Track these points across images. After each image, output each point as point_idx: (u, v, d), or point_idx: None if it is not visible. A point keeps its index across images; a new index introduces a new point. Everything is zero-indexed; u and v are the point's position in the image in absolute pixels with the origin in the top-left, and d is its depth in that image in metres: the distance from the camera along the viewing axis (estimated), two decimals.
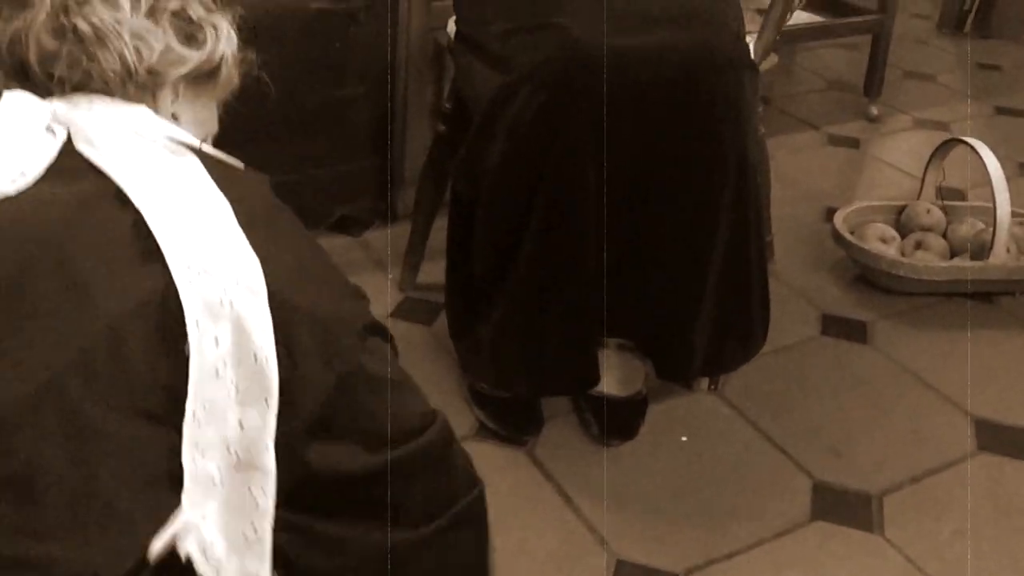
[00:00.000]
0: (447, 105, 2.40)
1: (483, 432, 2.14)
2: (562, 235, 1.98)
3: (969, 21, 4.99)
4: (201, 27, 1.23)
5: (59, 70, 1.13)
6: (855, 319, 2.58)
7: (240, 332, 0.98)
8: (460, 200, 2.19)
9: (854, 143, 3.63)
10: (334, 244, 2.77)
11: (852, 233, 2.72)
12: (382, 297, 2.55)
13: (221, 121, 1.36)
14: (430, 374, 2.28)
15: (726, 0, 2.15)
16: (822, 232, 2.91)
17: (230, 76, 1.30)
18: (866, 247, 2.65)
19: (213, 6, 1.27)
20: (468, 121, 2.17)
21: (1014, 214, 2.68)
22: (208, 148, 1.21)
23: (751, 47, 2.28)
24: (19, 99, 1.10)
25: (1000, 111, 3.98)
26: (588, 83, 1.90)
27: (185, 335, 0.94)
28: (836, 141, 3.65)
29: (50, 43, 1.13)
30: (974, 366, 2.41)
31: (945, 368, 2.40)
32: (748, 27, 2.36)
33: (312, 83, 2.62)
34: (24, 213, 0.99)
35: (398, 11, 2.65)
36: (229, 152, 1.29)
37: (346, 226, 2.87)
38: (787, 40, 3.61)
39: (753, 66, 2.06)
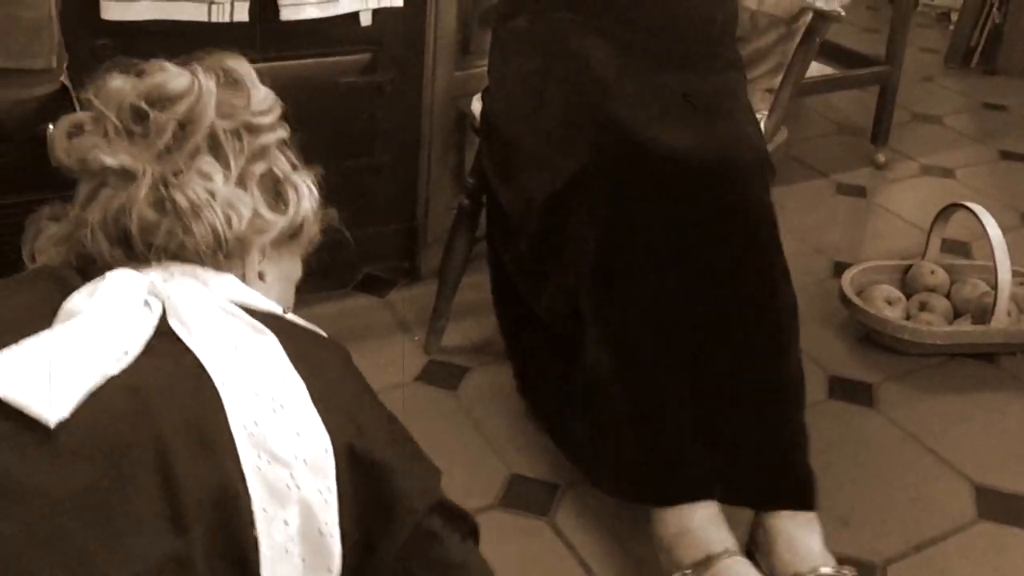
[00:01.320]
0: (470, 180, 2.43)
1: (507, 499, 2.14)
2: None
3: (976, 56, 5.04)
4: (286, 187, 1.31)
5: (158, 240, 1.19)
6: (861, 381, 2.57)
7: (307, 511, 1.04)
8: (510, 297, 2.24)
9: (861, 192, 3.64)
10: (359, 304, 2.79)
11: (859, 294, 2.74)
12: (407, 360, 2.56)
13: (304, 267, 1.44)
14: (455, 441, 2.30)
15: (739, 95, 2.18)
16: (831, 288, 2.90)
17: (312, 232, 1.38)
18: (872, 311, 2.66)
19: (297, 163, 1.36)
20: (491, 197, 2.28)
21: (1015, 274, 2.69)
22: (291, 316, 1.26)
23: (763, 128, 2.31)
24: (122, 278, 1.13)
25: (1004, 155, 4.00)
26: (645, 187, 1.91)
27: (254, 521, 1.00)
28: (844, 190, 3.65)
29: (151, 215, 1.18)
30: (976, 430, 2.43)
31: (948, 432, 2.40)
32: (759, 106, 2.44)
33: (343, 152, 2.62)
34: (124, 393, 1.00)
35: (423, 82, 2.67)
36: None
37: (371, 285, 2.87)
38: (798, 94, 3.57)
39: (767, 164, 2.06)
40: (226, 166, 1.25)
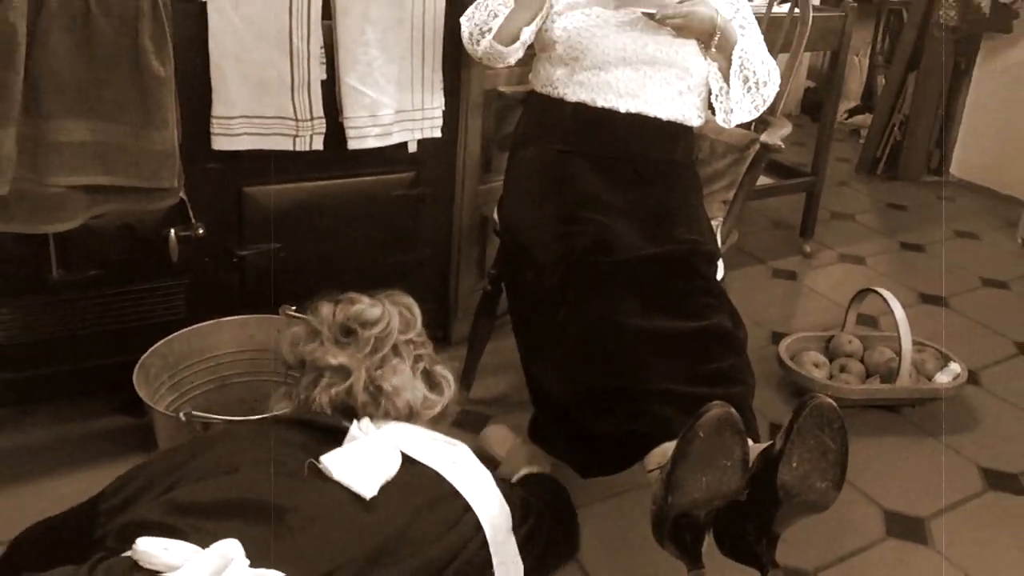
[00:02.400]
0: (492, 271, 2.44)
1: None
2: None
3: (881, 166, 5.10)
4: (437, 378, 1.56)
5: (371, 411, 1.43)
6: None
7: (507, 553, 1.37)
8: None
9: (792, 275, 3.65)
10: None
11: (792, 358, 2.76)
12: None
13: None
14: None
15: (697, 208, 2.20)
16: (770, 354, 2.89)
17: (452, 414, 1.63)
18: (802, 372, 2.68)
19: (442, 361, 1.60)
20: (510, 286, 2.26)
21: (915, 342, 2.71)
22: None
23: (718, 232, 2.34)
24: (369, 423, 1.41)
25: (904, 246, 4.04)
26: (611, 275, 1.90)
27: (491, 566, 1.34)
28: (778, 274, 3.65)
29: (367, 397, 1.42)
30: (884, 466, 2.45)
31: (862, 468, 2.40)
32: (716, 214, 2.44)
33: (393, 247, 2.63)
34: (404, 483, 1.30)
35: (454, 194, 2.69)
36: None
37: None
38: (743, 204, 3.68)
39: (718, 259, 2.11)
40: (404, 364, 1.50)
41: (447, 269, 2.81)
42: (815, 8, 3.46)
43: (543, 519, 1.56)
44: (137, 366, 2.03)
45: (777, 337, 3.03)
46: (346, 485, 1.22)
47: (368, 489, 1.22)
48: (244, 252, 2.39)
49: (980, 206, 4.70)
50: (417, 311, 1.58)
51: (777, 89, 2.32)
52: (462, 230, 2.75)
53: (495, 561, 1.32)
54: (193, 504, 1.18)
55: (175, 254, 2.25)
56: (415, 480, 1.32)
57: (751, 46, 2.25)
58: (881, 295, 2.75)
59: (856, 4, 3.91)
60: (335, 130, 2.35)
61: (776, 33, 2.85)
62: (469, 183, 2.70)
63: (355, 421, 1.40)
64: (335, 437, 1.35)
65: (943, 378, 2.72)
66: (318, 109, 2.29)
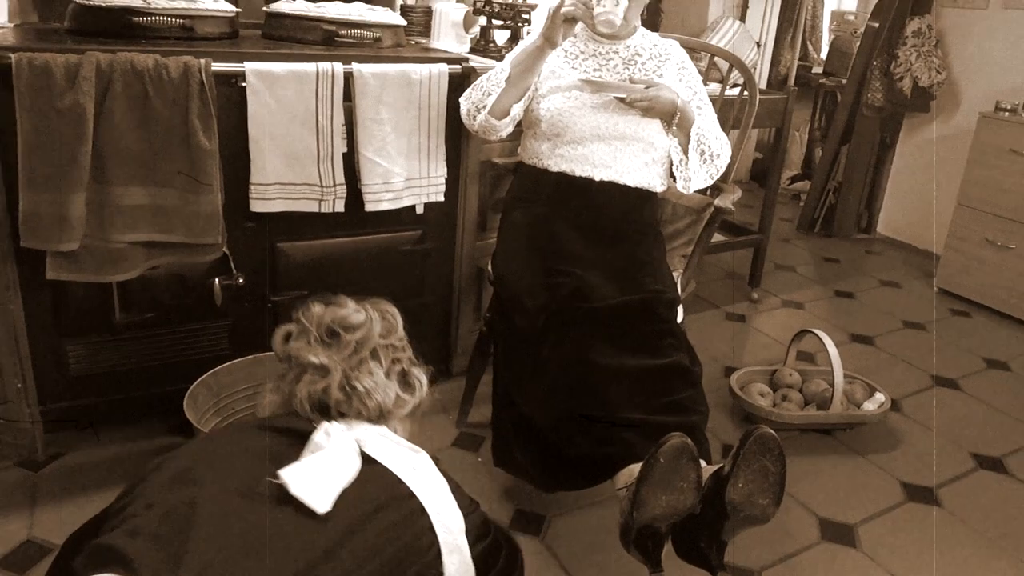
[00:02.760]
0: (487, 315, 2.41)
1: (510, 524, 2.15)
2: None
3: (818, 225, 5.12)
4: (412, 380, 1.44)
5: (344, 409, 1.33)
6: None
7: (461, 556, 1.25)
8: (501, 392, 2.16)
9: (742, 318, 3.64)
10: None
11: (741, 389, 2.77)
12: (444, 432, 2.55)
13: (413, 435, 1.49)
14: (475, 482, 2.29)
15: (660, 261, 2.19)
16: (723, 385, 2.90)
17: (425, 406, 1.48)
18: (750, 401, 2.70)
19: (418, 362, 1.48)
20: (501, 327, 2.21)
21: (846, 375, 2.74)
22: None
23: (678, 282, 2.33)
24: (338, 427, 1.28)
25: (837, 293, 4.04)
26: (585, 319, 1.90)
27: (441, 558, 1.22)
28: (731, 317, 3.64)
29: (341, 395, 1.32)
30: (819, 480, 2.44)
31: (800, 481, 2.41)
32: (677, 266, 2.42)
33: (403, 294, 2.44)
34: (360, 490, 1.19)
35: (455, 249, 2.68)
36: None
37: None
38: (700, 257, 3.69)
39: (678, 305, 2.08)
40: (380, 367, 1.38)
41: (449, 313, 2.80)
42: (761, 91, 3.52)
43: (500, 543, 1.46)
44: (187, 394, 2.04)
45: (729, 371, 3.03)
46: (302, 500, 1.12)
47: (322, 504, 1.13)
48: (277, 298, 2.39)
49: (902, 259, 4.72)
50: (398, 318, 1.49)
51: (729, 160, 2.32)
52: (461, 280, 2.74)
53: (446, 563, 1.24)
54: (143, 528, 1.09)
55: (219, 300, 2.27)
56: (372, 481, 1.23)
57: (707, 124, 2.25)
58: (817, 335, 2.76)
59: (796, 88, 3.96)
60: (354, 195, 2.35)
61: (728, 112, 2.85)
62: (467, 240, 2.69)
63: (323, 424, 1.29)
64: (302, 441, 1.27)
65: (870, 406, 2.73)
66: (340, 177, 2.30)
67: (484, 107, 2.22)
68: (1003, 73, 4.27)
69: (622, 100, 2.15)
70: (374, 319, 1.41)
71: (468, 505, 1.35)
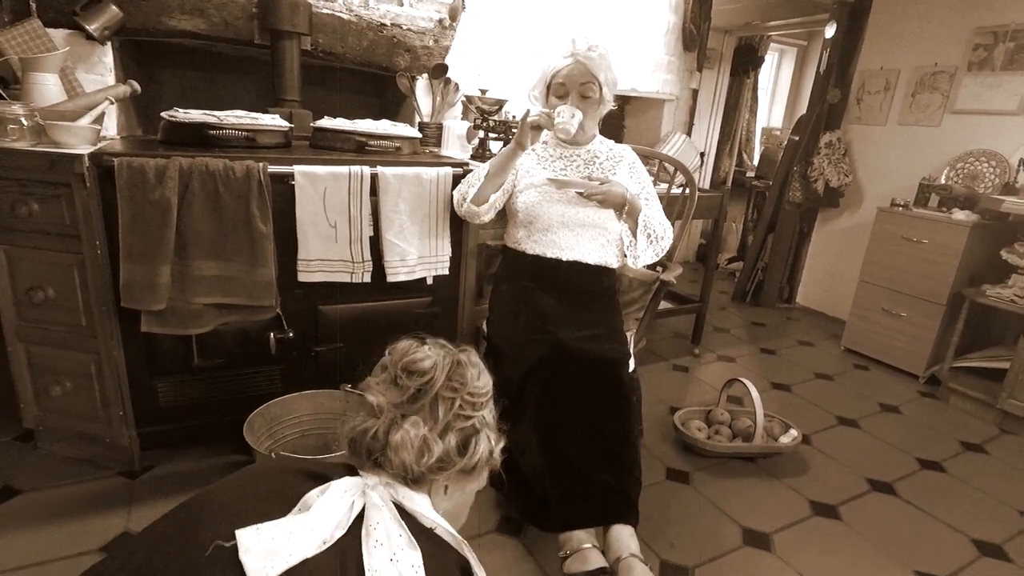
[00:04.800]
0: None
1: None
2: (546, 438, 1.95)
3: (748, 296, 5.13)
4: (474, 440, 1.11)
5: (378, 458, 1.07)
6: (683, 471, 2.57)
7: None
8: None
9: (685, 369, 3.63)
10: None
11: (683, 424, 2.78)
12: None
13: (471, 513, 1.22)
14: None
15: (619, 323, 2.20)
16: (669, 421, 2.92)
17: (483, 475, 1.16)
18: (689, 433, 2.70)
19: (493, 425, 1.15)
20: (493, 377, 2.24)
21: (766, 415, 2.79)
22: (442, 531, 1.06)
23: (631, 342, 2.31)
24: (343, 485, 1.02)
25: (763, 351, 4.04)
26: (563, 365, 1.94)
27: None
28: (676, 368, 3.64)
29: (378, 440, 1.07)
30: (743, 497, 2.44)
31: (728, 498, 2.42)
32: (631, 327, 2.40)
33: None
34: (313, 573, 0.91)
35: (457, 313, 2.67)
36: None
37: None
38: (652, 319, 3.62)
39: (629, 359, 2.08)
40: (435, 420, 1.08)
41: None
42: (702, 190, 3.65)
43: None
44: (246, 422, 2.07)
45: (674, 410, 3.03)
46: (243, 565, 0.86)
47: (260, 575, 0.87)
48: (319, 349, 2.41)
49: (815, 324, 4.71)
50: (472, 372, 1.13)
51: (671, 241, 2.32)
52: (462, 337, 2.72)
53: None
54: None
55: (273, 349, 2.31)
56: (330, 565, 0.92)
57: (652, 212, 2.26)
58: (743, 383, 2.77)
59: (731, 188, 4.04)
60: (378, 269, 2.37)
61: (674, 206, 2.88)
62: (468, 305, 2.69)
63: (338, 480, 1.03)
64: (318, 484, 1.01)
65: (785, 439, 2.74)
66: (367, 255, 2.32)
67: (467, 197, 2.26)
68: (898, 176, 4.34)
69: (581, 195, 2.17)
70: (441, 367, 1.10)
71: None
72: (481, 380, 1.14)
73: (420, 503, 1.06)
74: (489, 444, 1.13)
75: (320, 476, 1.04)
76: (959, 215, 3.63)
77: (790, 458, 2.77)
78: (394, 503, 1.04)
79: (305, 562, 0.90)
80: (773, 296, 5.09)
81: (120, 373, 2.16)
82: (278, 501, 0.97)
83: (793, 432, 2.79)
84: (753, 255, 5.12)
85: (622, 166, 2.34)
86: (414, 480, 1.07)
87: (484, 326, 2.39)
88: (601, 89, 2.20)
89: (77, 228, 1.97)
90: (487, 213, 2.29)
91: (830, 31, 4.57)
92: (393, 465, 1.06)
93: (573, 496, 1.90)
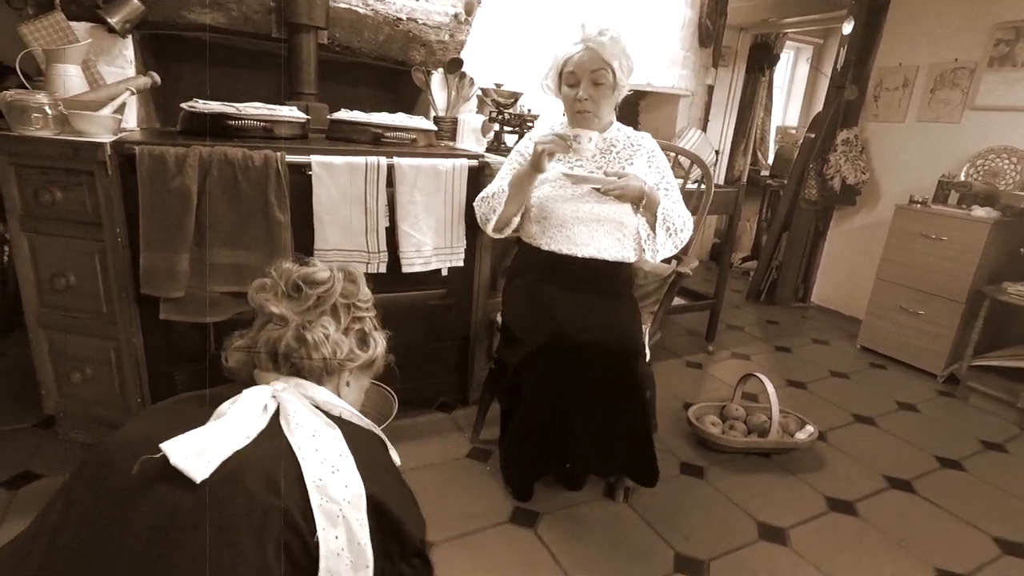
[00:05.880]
0: (495, 354, 2.40)
1: (511, 518, 2.15)
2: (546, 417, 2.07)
3: (763, 295, 5.12)
4: (370, 338, 1.31)
5: (294, 359, 1.21)
6: (698, 465, 2.58)
7: (349, 531, 1.04)
8: (506, 409, 2.27)
9: (699, 366, 3.63)
10: (437, 417, 2.76)
11: (697, 419, 2.78)
12: (461, 446, 2.55)
13: (367, 393, 1.39)
14: (484, 484, 2.31)
15: (633, 317, 2.21)
16: (683, 416, 2.92)
17: (378, 366, 1.36)
18: (704, 429, 2.70)
19: (378, 325, 1.35)
20: (503, 365, 2.26)
21: (781, 411, 2.77)
22: (352, 417, 1.21)
23: (646, 334, 2.31)
24: (253, 393, 1.12)
25: (777, 348, 4.03)
26: (565, 358, 1.99)
27: (315, 532, 1.02)
28: (690, 365, 3.64)
29: (294, 344, 1.20)
30: (758, 492, 2.44)
31: (742, 493, 2.42)
32: (647, 319, 2.42)
33: (430, 339, 2.64)
34: (246, 459, 1.01)
35: (472, 304, 2.68)
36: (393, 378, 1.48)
37: (443, 407, 2.84)
38: (667, 314, 3.58)
39: (644, 353, 2.10)
40: (338, 322, 1.26)
41: (466, 354, 2.80)
42: (717, 186, 3.66)
43: (421, 550, 1.20)
44: None
45: (688, 405, 3.03)
46: (180, 469, 0.96)
47: (199, 473, 0.97)
48: None
49: (830, 323, 4.70)
50: (361, 281, 1.33)
51: (691, 233, 2.27)
52: (476, 328, 2.75)
53: (322, 548, 1.02)
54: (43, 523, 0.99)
55: None
56: (259, 446, 1.05)
57: (671, 204, 2.21)
58: (759, 378, 2.75)
59: (746, 186, 4.04)
60: (394, 259, 2.38)
61: (689, 201, 2.80)
62: (482, 297, 2.71)
63: (244, 391, 1.13)
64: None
65: (801, 435, 2.73)
66: (383, 245, 2.33)
67: (489, 221, 2.25)
68: (916, 173, 4.33)
69: (598, 190, 2.14)
70: (337, 279, 1.27)
71: (395, 497, 1.14)
72: (364, 290, 1.32)
73: (328, 395, 1.20)
74: (382, 341, 1.33)
75: (222, 397, 1.13)
76: (979, 212, 3.61)
77: (806, 454, 2.76)
78: (306, 398, 1.17)
79: (236, 453, 1.01)
80: (788, 295, 5.07)
81: (139, 360, 2.19)
82: (185, 424, 1.05)
83: (809, 428, 2.78)
84: (768, 254, 5.12)
85: (640, 155, 2.29)
86: (328, 373, 1.23)
87: (498, 317, 2.42)
88: (615, 75, 2.13)
89: (99, 216, 2.00)
90: (507, 232, 2.31)
91: (847, 28, 4.56)
92: (313, 361, 1.20)
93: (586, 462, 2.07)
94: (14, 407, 2.53)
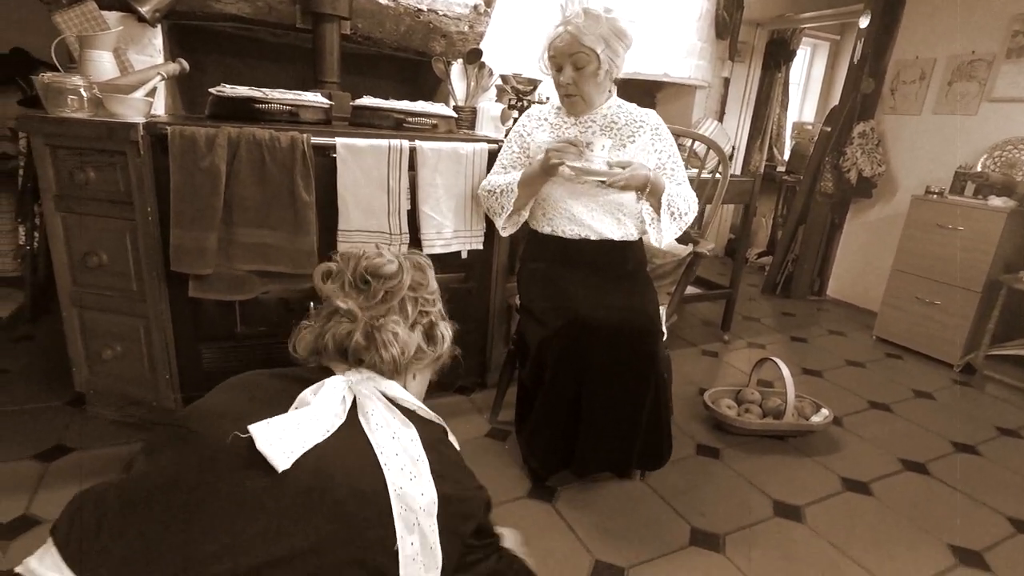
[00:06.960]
0: (514, 336, 2.45)
1: (530, 494, 2.18)
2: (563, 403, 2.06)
3: (779, 288, 5.12)
4: (436, 332, 1.28)
5: (363, 356, 1.19)
6: (714, 447, 2.61)
7: (423, 536, 1.05)
8: (524, 386, 2.25)
9: (715, 355, 3.65)
10: (457, 399, 2.80)
11: (713, 403, 2.80)
12: (480, 426, 2.59)
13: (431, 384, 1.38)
14: (501, 461, 2.35)
15: (649, 297, 2.19)
16: (698, 401, 2.96)
17: (446, 361, 1.34)
18: (720, 411, 2.72)
19: (445, 316, 1.33)
20: (525, 347, 2.23)
21: (797, 395, 2.79)
22: (421, 409, 1.20)
23: (663, 315, 2.32)
24: (334, 383, 1.11)
25: (793, 339, 4.05)
26: (584, 339, 1.99)
27: (395, 538, 1.03)
28: (706, 353, 3.67)
29: (363, 342, 1.18)
30: (774, 473, 2.46)
31: (758, 474, 2.44)
32: (663, 300, 2.45)
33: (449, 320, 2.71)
34: (329, 462, 1.01)
35: (490, 287, 2.72)
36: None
37: (462, 389, 2.89)
38: (683, 302, 3.60)
39: (662, 332, 2.07)
40: (406, 319, 1.22)
41: (485, 337, 2.83)
42: (733, 176, 3.69)
43: (497, 544, 1.23)
44: None
45: (703, 390, 3.06)
46: (264, 455, 0.96)
47: (282, 462, 0.96)
48: None
49: (846, 315, 4.71)
50: (430, 273, 1.29)
51: (695, 214, 2.24)
52: (495, 312, 2.79)
53: (401, 554, 1.03)
54: (116, 500, 0.97)
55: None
56: (344, 446, 1.04)
57: (675, 188, 2.19)
58: (775, 362, 2.76)
59: (762, 177, 4.06)
60: (415, 241, 2.41)
61: (705, 189, 2.91)
62: (500, 281, 2.74)
63: (326, 380, 1.12)
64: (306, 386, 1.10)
65: (816, 418, 2.75)
66: (405, 227, 2.36)
67: (498, 216, 2.26)
68: (932, 165, 4.33)
69: (603, 183, 2.12)
70: (406, 270, 1.24)
71: (464, 488, 1.14)
72: (433, 281, 1.29)
73: (399, 391, 1.18)
74: (448, 333, 1.30)
75: (304, 379, 1.13)
76: (996, 201, 3.62)
77: (821, 437, 2.78)
78: (380, 392, 1.16)
79: (317, 447, 1.01)
80: (803, 288, 5.08)
81: (168, 337, 2.24)
82: (270, 405, 1.06)
83: (824, 412, 2.80)
84: (783, 247, 5.12)
85: (644, 130, 2.23)
86: (396, 372, 1.21)
87: (516, 300, 2.42)
88: (598, 57, 2.07)
89: (130, 195, 2.05)
90: (517, 227, 2.34)
91: (864, 21, 4.58)
92: (384, 360, 1.18)
93: (596, 447, 2.04)
94: (45, 387, 2.60)
